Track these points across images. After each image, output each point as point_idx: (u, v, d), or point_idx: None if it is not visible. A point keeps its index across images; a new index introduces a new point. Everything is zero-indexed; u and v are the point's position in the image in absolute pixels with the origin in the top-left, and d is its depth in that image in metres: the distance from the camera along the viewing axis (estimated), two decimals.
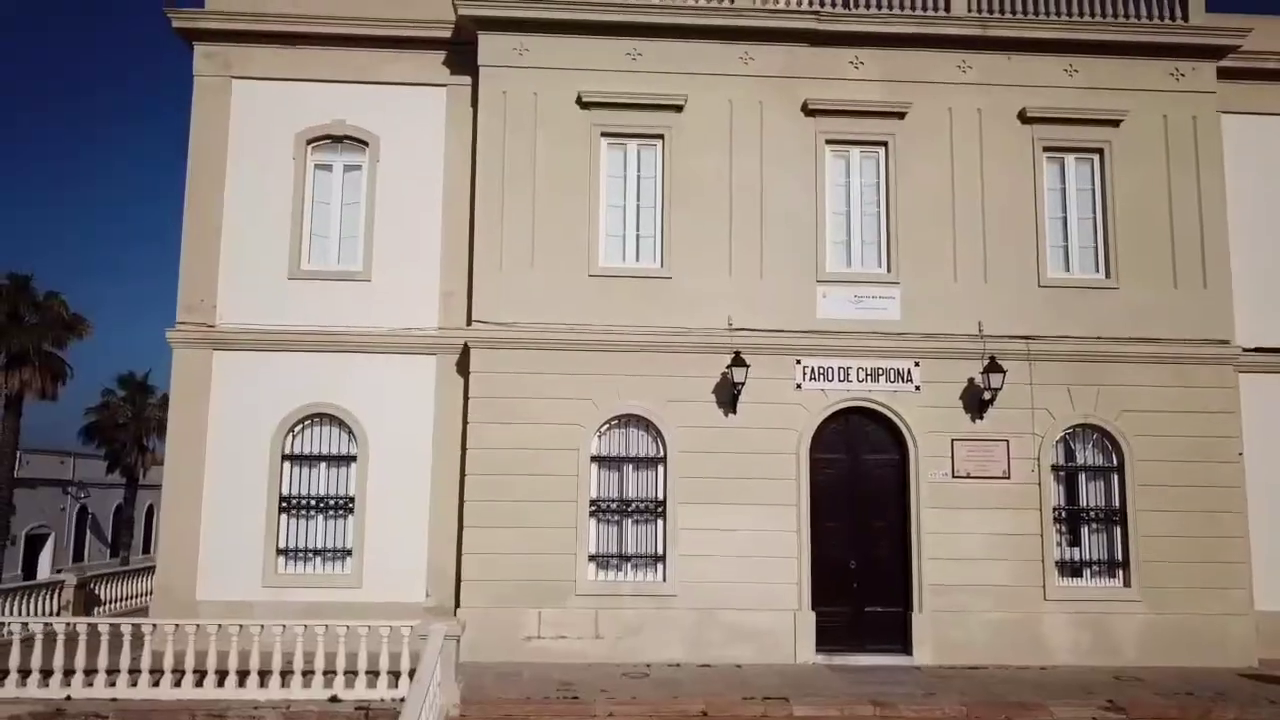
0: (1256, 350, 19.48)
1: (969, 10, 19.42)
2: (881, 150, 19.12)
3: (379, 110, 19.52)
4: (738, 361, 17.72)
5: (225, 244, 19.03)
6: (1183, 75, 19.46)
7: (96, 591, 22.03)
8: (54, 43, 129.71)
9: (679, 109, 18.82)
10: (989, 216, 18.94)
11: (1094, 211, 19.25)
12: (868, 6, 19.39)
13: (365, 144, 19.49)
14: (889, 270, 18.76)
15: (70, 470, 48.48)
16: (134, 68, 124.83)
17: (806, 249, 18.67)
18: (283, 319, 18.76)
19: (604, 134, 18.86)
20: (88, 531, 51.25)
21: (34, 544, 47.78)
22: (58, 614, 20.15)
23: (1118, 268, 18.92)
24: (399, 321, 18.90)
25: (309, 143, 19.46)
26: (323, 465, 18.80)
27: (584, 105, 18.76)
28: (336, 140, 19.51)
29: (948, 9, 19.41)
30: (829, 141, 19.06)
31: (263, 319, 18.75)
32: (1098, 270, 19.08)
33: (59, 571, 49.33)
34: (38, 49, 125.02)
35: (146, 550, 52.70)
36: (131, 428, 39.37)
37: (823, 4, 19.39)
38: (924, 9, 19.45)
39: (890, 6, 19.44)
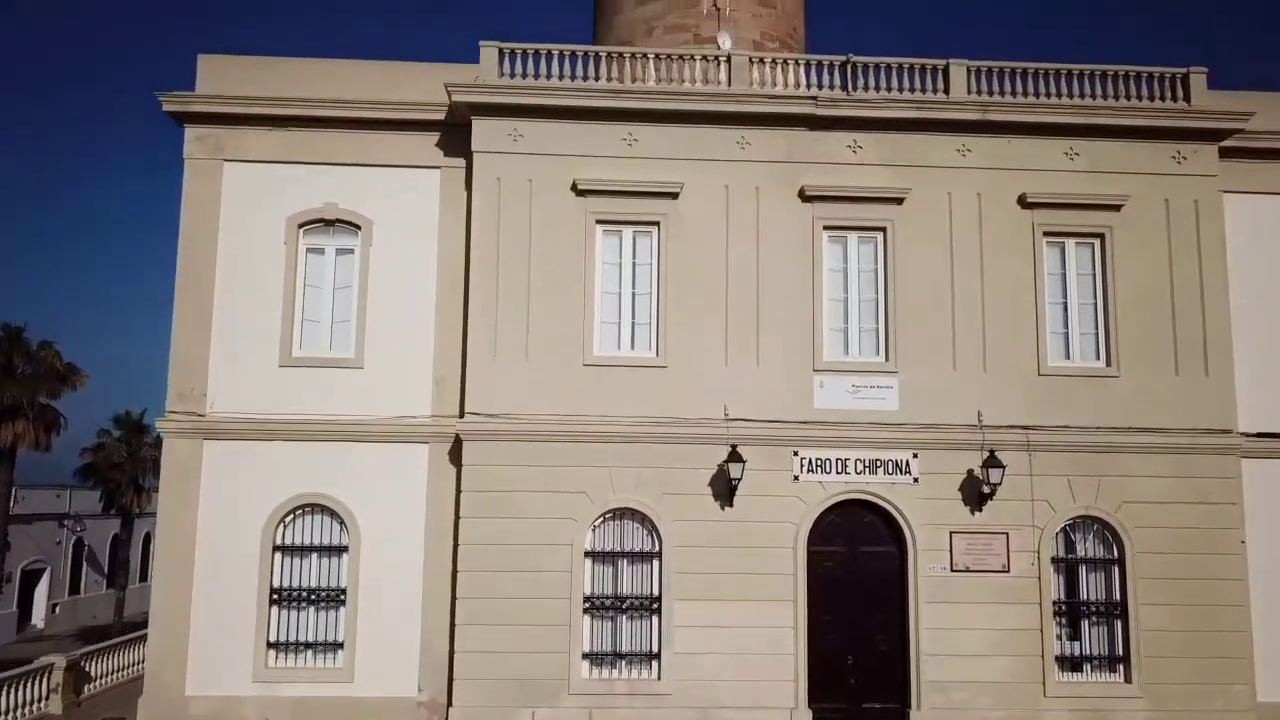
0: (1259, 435, 19.24)
1: (969, 92, 19.22)
2: (880, 235, 18.91)
3: (372, 193, 19.31)
4: (734, 457, 17.51)
5: (216, 330, 18.82)
6: (1185, 158, 19.24)
7: (87, 669, 21.78)
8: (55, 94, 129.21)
9: (675, 196, 18.61)
10: (989, 302, 18.73)
11: (1095, 297, 19.04)
12: (866, 87, 19.18)
13: (358, 227, 19.28)
14: (887, 359, 18.54)
15: (67, 502, 48.30)
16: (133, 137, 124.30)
17: (804, 337, 18.46)
18: (274, 407, 18.54)
19: (599, 221, 18.65)
20: (84, 563, 51.03)
21: (30, 580, 47.55)
22: (46, 699, 19.96)
23: (1119, 355, 18.70)
24: (392, 409, 18.67)
25: (301, 226, 19.25)
26: (314, 556, 18.58)
27: (579, 192, 18.55)
28: (329, 224, 19.31)
29: (946, 90, 19.20)
30: (827, 227, 18.84)
31: (254, 407, 18.53)
32: (1098, 358, 18.86)
33: (55, 608, 49.34)
34: (44, 101, 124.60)
35: (144, 578, 52.50)
36: (127, 467, 39.19)
37: (820, 85, 19.20)
38: (924, 88, 19.26)
39: (890, 87, 19.23)
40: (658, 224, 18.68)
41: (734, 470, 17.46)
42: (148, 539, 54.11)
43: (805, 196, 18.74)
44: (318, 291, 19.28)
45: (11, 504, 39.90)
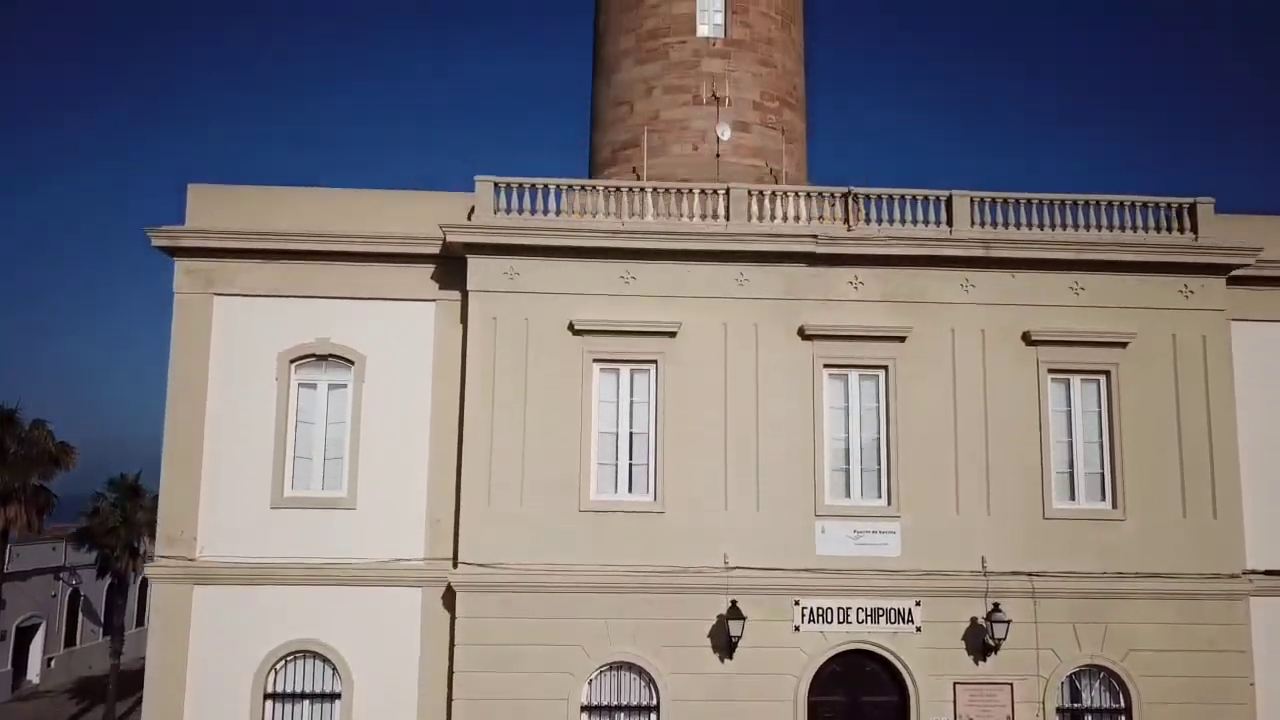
0: (1267, 573, 18.92)
1: (972, 224, 18.90)
2: (882, 373, 18.59)
3: (365, 326, 18.99)
4: (734, 613, 17.19)
5: (206, 471, 18.50)
6: (1192, 292, 18.92)
7: None
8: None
9: (673, 334, 18.29)
10: (993, 442, 18.41)
11: (1100, 435, 18.73)
12: (868, 220, 18.86)
13: (351, 362, 18.96)
14: (889, 503, 18.22)
15: (62, 554, 47.90)
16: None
17: (804, 480, 18.13)
18: (265, 550, 18.22)
19: (596, 359, 18.34)
20: (80, 614, 50.66)
21: (24, 635, 47.17)
22: None
23: (1125, 497, 18.39)
24: (385, 551, 18.35)
25: (293, 361, 18.93)
26: (305, 703, 18.26)
27: (576, 332, 18.23)
28: (321, 359, 18.98)
29: (950, 222, 18.89)
30: (827, 365, 18.53)
31: (245, 551, 18.20)
32: (1104, 499, 18.54)
33: (50, 661, 48.95)
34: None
35: (140, 622, 52.11)
36: (122, 533, 38.79)
37: (820, 217, 18.88)
38: (927, 220, 18.94)
39: (892, 219, 18.92)
40: (655, 362, 18.37)
41: (734, 627, 17.15)
42: (145, 583, 53.75)
43: (805, 335, 18.43)
44: (310, 428, 18.96)
45: (6, 562, 39.58)
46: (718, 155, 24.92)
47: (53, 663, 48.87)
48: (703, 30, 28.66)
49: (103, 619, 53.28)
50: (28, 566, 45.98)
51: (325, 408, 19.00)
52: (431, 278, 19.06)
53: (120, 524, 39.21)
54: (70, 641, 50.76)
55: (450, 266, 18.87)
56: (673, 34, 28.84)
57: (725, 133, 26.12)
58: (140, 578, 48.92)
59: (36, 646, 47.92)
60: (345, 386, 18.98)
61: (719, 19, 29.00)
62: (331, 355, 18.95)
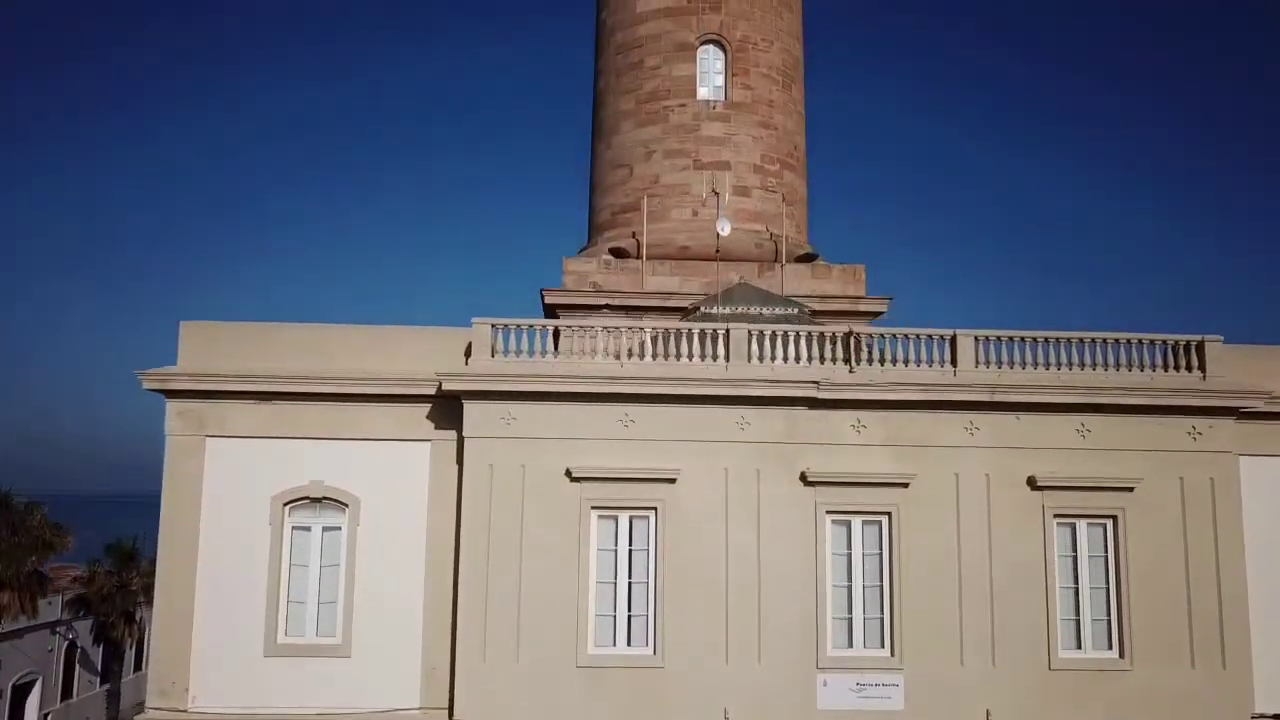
0: (1275, 718, 18.62)
1: (976, 363, 18.59)
2: (885, 519, 18.29)
3: (360, 468, 18.68)
4: None
5: (199, 619, 18.19)
6: (1200, 434, 18.63)
7: None
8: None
9: (673, 481, 17.98)
10: (997, 589, 18.11)
11: (1107, 581, 18.44)
12: (870, 362, 18.56)
13: (345, 505, 18.65)
14: (892, 653, 17.91)
15: (58, 607, 47.51)
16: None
17: (806, 630, 17.83)
18: (259, 700, 17.92)
19: (594, 507, 18.03)
20: (76, 666, 50.28)
21: (20, 693, 46.80)
22: None
23: (1132, 646, 18.09)
24: (381, 700, 18.06)
25: (287, 504, 18.62)
26: None
27: (574, 479, 17.92)
28: (315, 501, 18.67)
29: (954, 362, 18.59)
30: (830, 512, 18.22)
31: (238, 701, 17.91)
32: (1110, 648, 18.24)
33: (47, 717, 48.56)
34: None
35: (138, 667, 51.75)
36: (118, 602, 38.54)
37: (823, 358, 18.58)
38: (930, 360, 18.64)
39: (895, 359, 18.62)
40: (655, 509, 18.07)
41: None
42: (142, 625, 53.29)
43: (808, 481, 18.13)
44: (304, 571, 18.66)
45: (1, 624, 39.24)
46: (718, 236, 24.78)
47: (50, 718, 48.54)
48: (703, 93, 28.50)
49: (99, 668, 52.94)
50: (23, 624, 45.60)
51: (319, 550, 18.70)
52: (427, 417, 18.76)
53: (116, 591, 39.07)
54: (67, 694, 50.33)
55: (445, 406, 18.57)
56: (673, 97, 28.59)
57: (725, 228, 25.93)
58: (135, 643, 48.63)
59: (33, 703, 47.55)
60: (339, 529, 18.68)
61: (719, 81, 28.82)
62: (326, 498, 18.64)
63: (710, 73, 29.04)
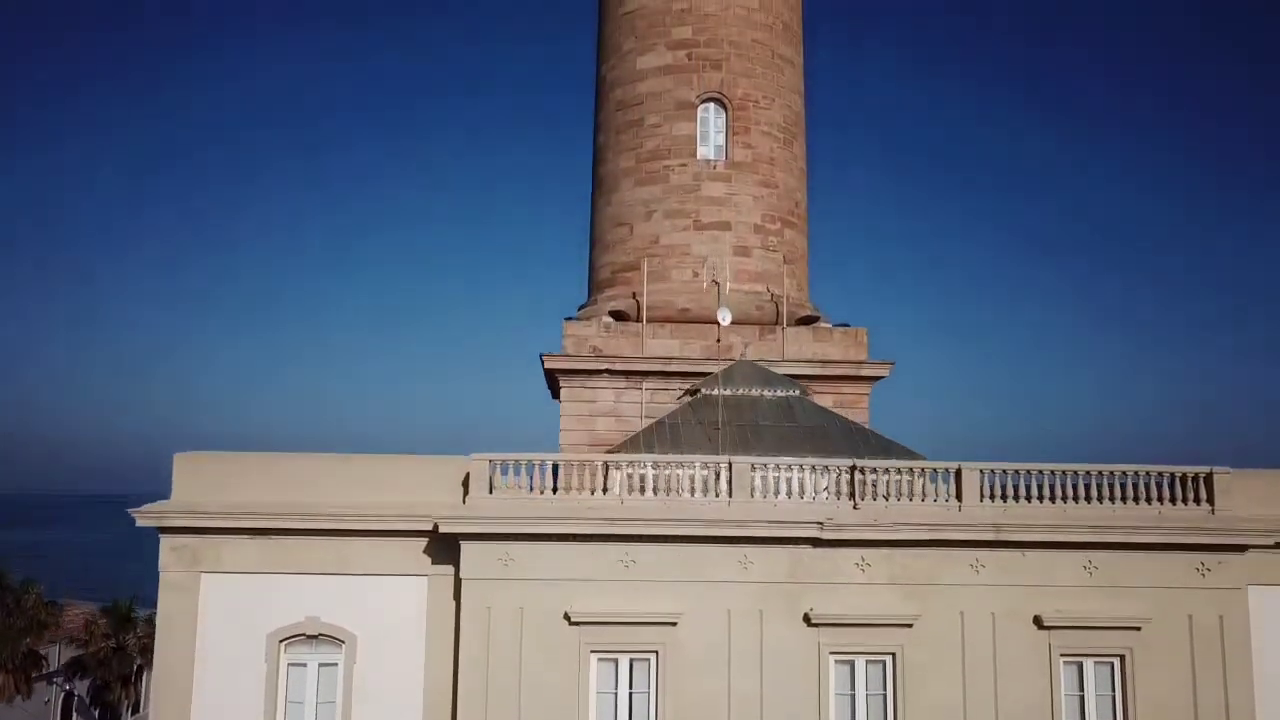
0: None
1: (981, 497, 18.29)
2: (889, 659, 18.02)
3: (356, 603, 18.43)
4: None
5: None
6: (1209, 570, 18.35)
7: None
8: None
9: (674, 624, 17.72)
10: None
11: None
12: (874, 498, 18.25)
13: (341, 641, 18.39)
14: None
15: (55, 657, 47.37)
16: None
17: None
18: None
19: (594, 650, 17.77)
20: (74, 715, 50.21)
21: None
22: None
23: None
24: None
25: (282, 641, 18.37)
26: None
27: (573, 623, 17.66)
28: (311, 638, 18.41)
29: (959, 496, 18.29)
30: (833, 653, 17.96)
31: None
32: None
33: None
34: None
35: (137, 710, 51.72)
36: (115, 665, 38.04)
37: (826, 493, 18.28)
38: (934, 495, 18.34)
39: (900, 494, 18.32)
40: (656, 652, 17.80)
41: None
42: (140, 670, 53.23)
43: (811, 622, 17.85)
44: (299, 707, 18.46)
45: None
46: (718, 287, 24.43)
47: None
48: (704, 152, 28.12)
49: (98, 716, 52.89)
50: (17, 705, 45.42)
51: (315, 688, 18.46)
52: (423, 552, 18.50)
53: (112, 655, 38.73)
54: None
55: (442, 541, 18.28)
56: (673, 156, 28.16)
57: (725, 318, 25.61)
58: (131, 706, 48.44)
59: None
60: (335, 665, 18.43)
61: (720, 140, 28.41)
62: (322, 634, 18.38)
63: (711, 131, 28.65)
